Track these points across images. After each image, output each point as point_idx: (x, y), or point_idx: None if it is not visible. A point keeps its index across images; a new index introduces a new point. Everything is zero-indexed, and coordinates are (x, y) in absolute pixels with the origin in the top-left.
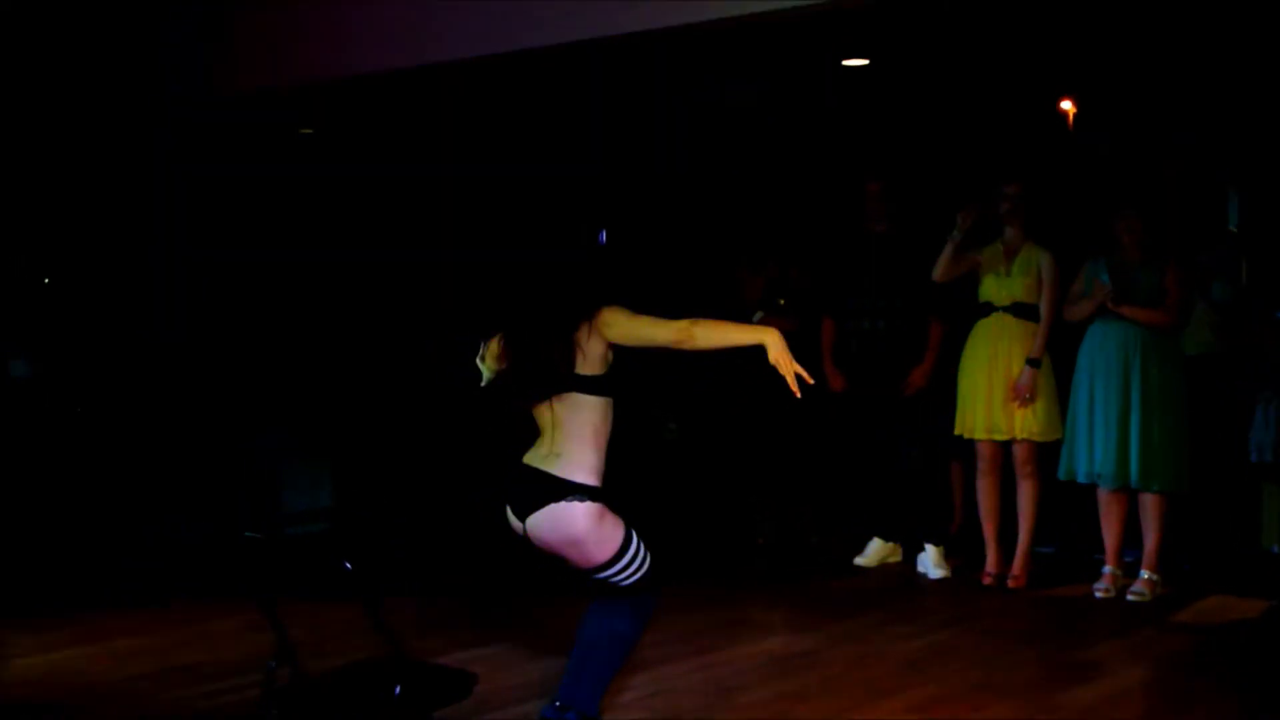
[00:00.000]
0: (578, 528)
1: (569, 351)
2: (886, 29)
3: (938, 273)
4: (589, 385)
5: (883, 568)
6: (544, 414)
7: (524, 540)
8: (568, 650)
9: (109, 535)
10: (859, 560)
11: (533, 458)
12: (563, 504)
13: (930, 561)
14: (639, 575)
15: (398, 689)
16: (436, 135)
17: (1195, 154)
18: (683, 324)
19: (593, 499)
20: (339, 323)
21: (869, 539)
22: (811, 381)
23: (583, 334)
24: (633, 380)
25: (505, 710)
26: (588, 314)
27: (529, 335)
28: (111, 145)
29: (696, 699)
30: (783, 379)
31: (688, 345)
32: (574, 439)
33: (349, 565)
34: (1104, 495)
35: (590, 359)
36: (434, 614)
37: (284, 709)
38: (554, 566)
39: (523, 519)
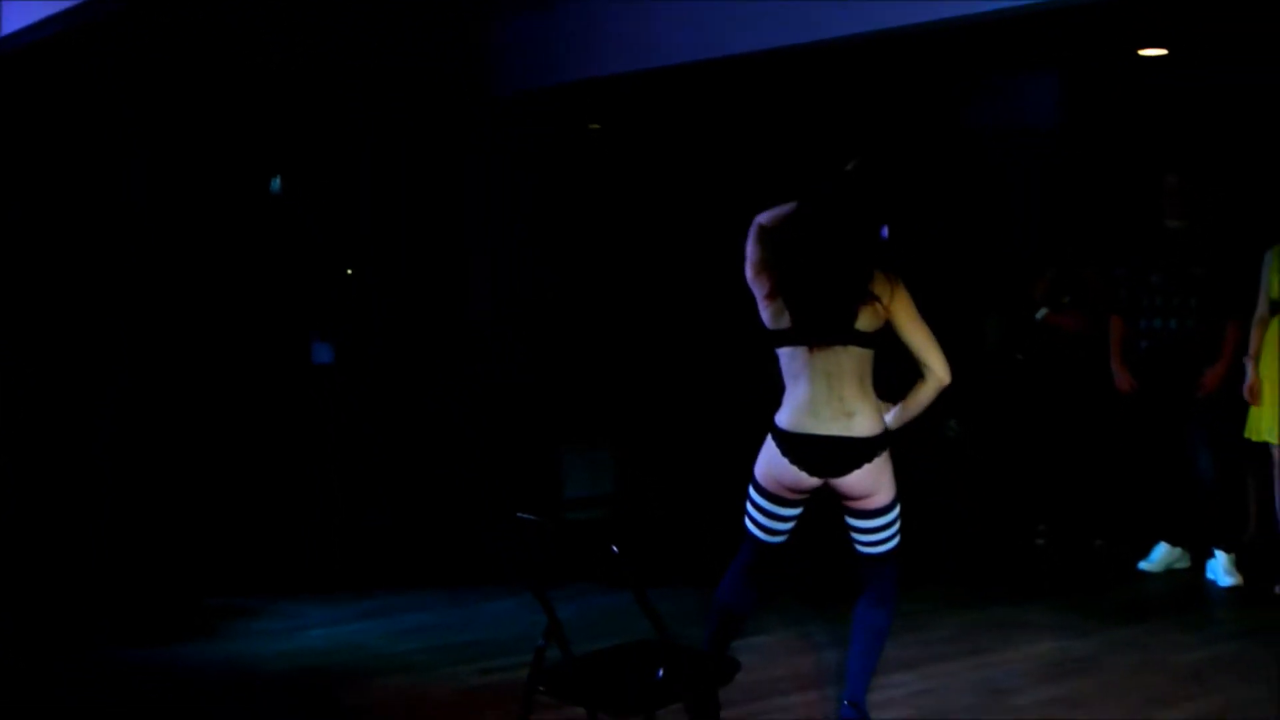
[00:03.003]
0: (877, 472)
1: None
2: (1187, 16)
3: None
4: (870, 340)
5: (1169, 574)
6: (821, 366)
7: (798, 491)
8: (831, 646)
9: (400, 516)
10: (1144, 565)
11: (818, 424)
12: (879, 459)
13: (1220, 569)
14: (899, 537)
15: (660, 671)
16: (725, 130)
17: None
18: (948, 372)
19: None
20: (631, 313)
21: (1156, 543)
22: None
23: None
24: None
25: (771, 700)
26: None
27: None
28: (425, 135)
29: (966, 699)
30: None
31: (930, 378)
32: (861, 395)
33: (616, 549)
34: None
35: (868, 319)
36: (707, 604)
37: (551, 686)
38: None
39: (830, 479)
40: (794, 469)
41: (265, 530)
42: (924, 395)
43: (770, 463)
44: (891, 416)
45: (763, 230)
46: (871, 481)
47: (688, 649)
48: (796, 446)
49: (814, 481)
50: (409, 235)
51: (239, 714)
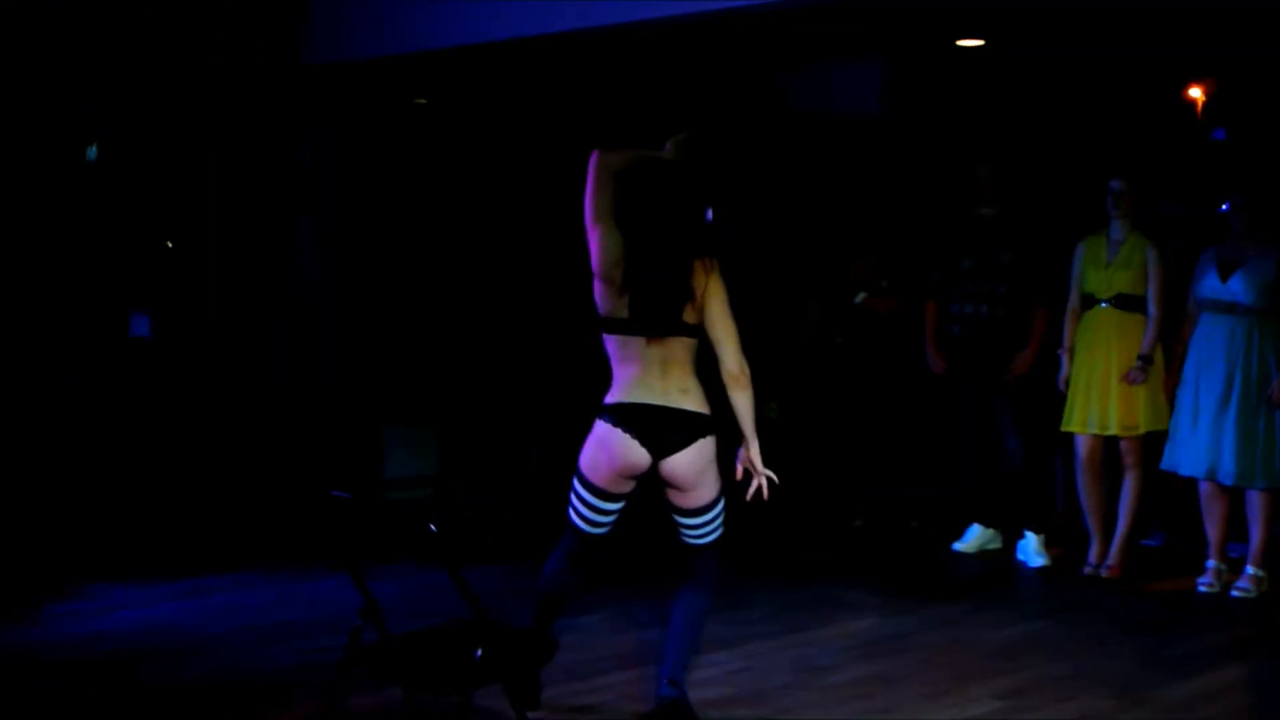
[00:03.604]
0: (707, 459)
1: (684, 298)
2: (1004, 8)
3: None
4: (696, 330)
5: (982, 554)
6: (655, 354)
7: (627, 477)
8: (653, 625)
9: (218, 495)
10: (958, 546)
11: (651, 396)
12: (708, 439)
13: (1031, 549)
14: (723, 529)
15: (479, 651)
16: (548, 108)
17: None
18: (741, 370)
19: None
20: (456, 292)
21: (969, 525)
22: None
23: (696, 285)
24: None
25: (592, 680)
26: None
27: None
28: (250, 111)
29: (782, 677)
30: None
31: (729, 381)
32: (688, 377)
33: (434, 528)
34: (1206, 489)
35: (691, 311)
36: (529, 584)
37: (367, 666)
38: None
39: (662, 456)
40: (626, 442)
41: (73, 508)
42: (738, 400)
43: (599, 445)
44: (751, 443)
45: (606, 175)
46: (700, 469)
47: (506, 628)
48: (630, 416)
49: (643, 459)
50: (231, 208)
51: (44, 698)
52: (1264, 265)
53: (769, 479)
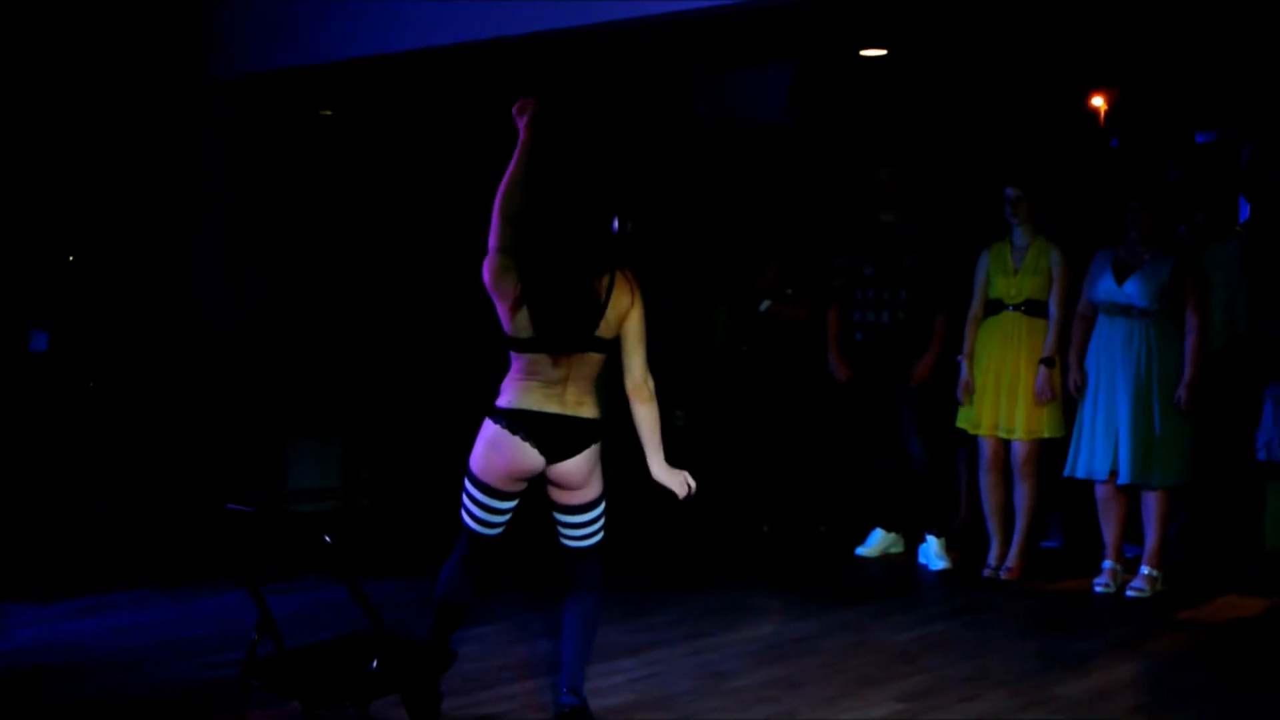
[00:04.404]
0: (595, 460)
1: (597, 314)
2: (907, 19)
3: None
4: (607, 345)
5: (884, 558)
6: (561, 371)
7: (519, 478)
8: (549, 635)
9: (119, 511)
10: (861, 550)
11: (549, 405)
12: (598, 443)
13: (932, 553)
14: (604, 532)
15: (374, 662)
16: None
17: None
18: (645, 383)
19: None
20: (361, 307)
21: (872, 529)
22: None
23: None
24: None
25: (493, 689)
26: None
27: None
28: (151, 125)
29: (686, 683)
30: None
31: (634, 392)
32: (588, 389)
33: (329, 540)
34: (1102, 490)
35: (608, 326)
36: (428, 595)
37: (264, 681)
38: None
39: (555, 461)
40: (521, 446)
41: None
42: (643, 414)
43: (492, 447)
44: (656, 464)
45: (504, 217)
46: (588, 471)
47: (402, 639)
48: (526, 421)
49: (537, 462)
50: (133, 223)
51: None
52: (1159, 269)
53: (687, 478)
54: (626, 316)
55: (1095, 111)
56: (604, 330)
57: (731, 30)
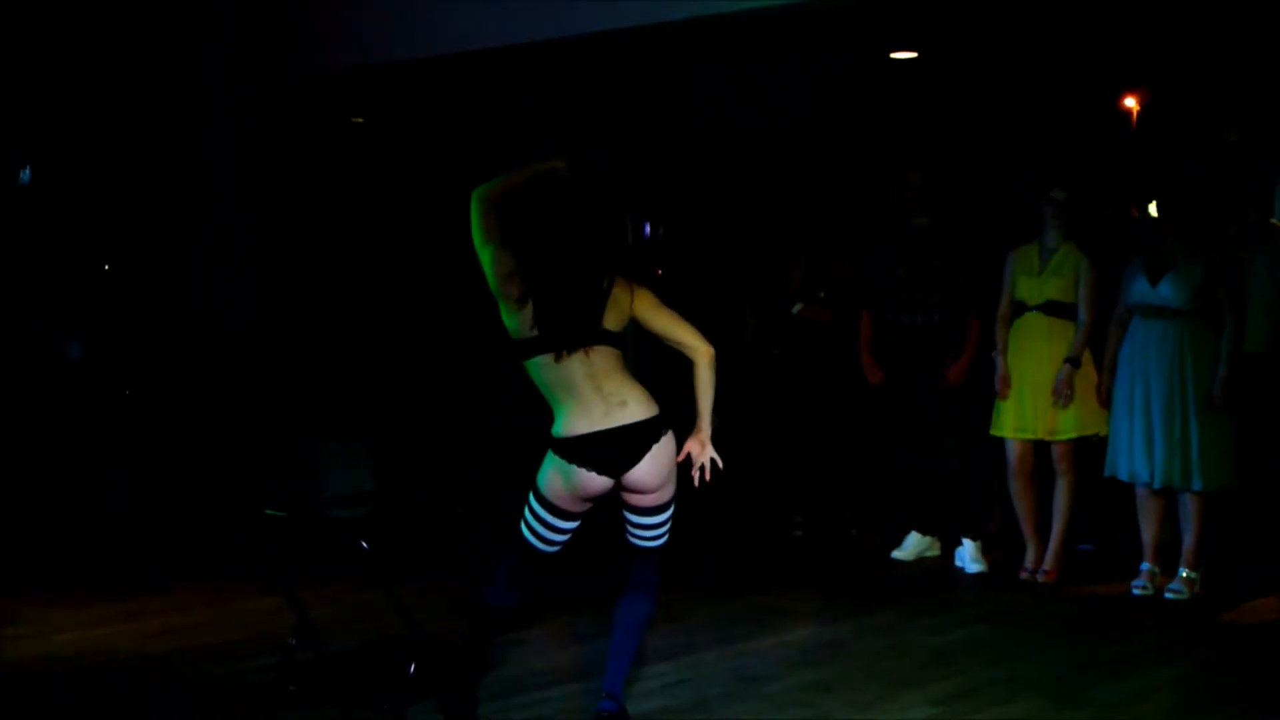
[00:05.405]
0: (668, 459)
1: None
2: (939, 21)
3: None
4: (618, 339)
5: (919, 561)
6: (578, 370)
7: (586, 499)
8: (590, 638)
9: (154, 516)
10: (896, 554)
11: (592, 422)
12: (663, 439)
13: (967, 556)
14: (670, 535)
15: (411, 667)
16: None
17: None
18: (702, 345)
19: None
20: (392, 307)
21: (907, 533)
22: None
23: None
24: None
25: (534, 694)
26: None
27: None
28: (172, 132)
29: (721, 687)
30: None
31: (698, 357)
32: (622, 382)
33: (365, 545)
34: (1141, 492)
35: (612, 319)
36: (461, 599)
37: (302, 686)
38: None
39: (622, 474)
40: (582, 474)
41: (12, 531)
42: (703, 375)
43: (556, 473)
44: (703, 424)
45: (495, 210)
46: (661, 473)
47: (440, 644)
48: (580, 450)
49: (605, 483)
50: (159, 228)
51: None
52: (1192, 268)
53: (714, 462)
54: (633, 307)
55: (1128, 113)
56: (610, 322)
57: (762, 32)
